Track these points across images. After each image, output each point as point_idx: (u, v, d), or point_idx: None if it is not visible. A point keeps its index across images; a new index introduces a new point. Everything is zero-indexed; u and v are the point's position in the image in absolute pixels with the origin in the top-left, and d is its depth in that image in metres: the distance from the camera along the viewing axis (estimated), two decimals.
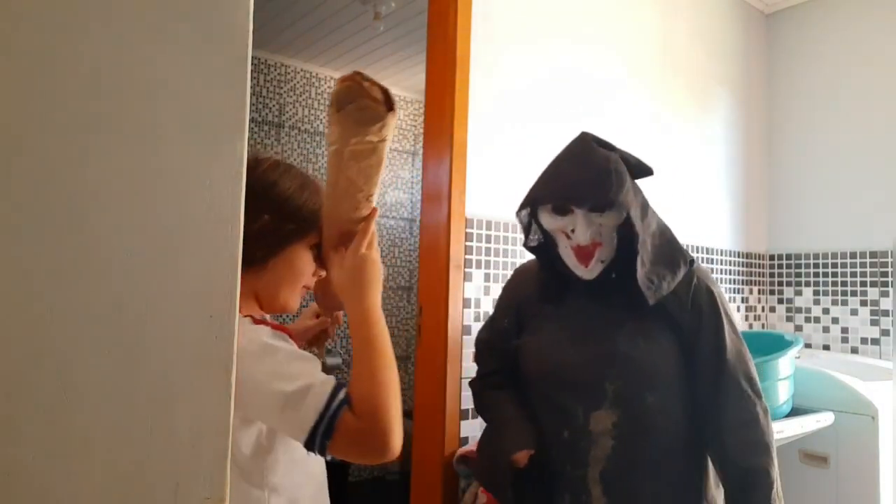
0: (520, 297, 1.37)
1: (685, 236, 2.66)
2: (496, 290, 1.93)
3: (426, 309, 1.95)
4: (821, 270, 2.98)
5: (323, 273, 1.00)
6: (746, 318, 3.03)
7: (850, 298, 2.88)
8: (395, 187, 4.32)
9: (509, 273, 1.57)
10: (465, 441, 1.87)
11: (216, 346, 0.51)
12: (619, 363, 1.19)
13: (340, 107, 0.86)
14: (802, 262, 3.03)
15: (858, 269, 2.85)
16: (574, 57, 2.30)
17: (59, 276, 0.45)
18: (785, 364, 2.03)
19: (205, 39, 0.52)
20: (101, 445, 0.46)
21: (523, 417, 1.27)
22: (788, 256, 3.08)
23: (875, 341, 2.79)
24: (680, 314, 1.21)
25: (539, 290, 1.33)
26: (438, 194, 1.93)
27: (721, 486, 1.23)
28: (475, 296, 1.95)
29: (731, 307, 2.72)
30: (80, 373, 0.45)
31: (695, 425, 1.22)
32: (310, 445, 0.81)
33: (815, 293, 2.99)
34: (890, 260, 2.71)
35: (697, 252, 2.74)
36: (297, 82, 3.89)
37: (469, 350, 1.83)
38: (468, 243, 1.94)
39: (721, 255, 2.88)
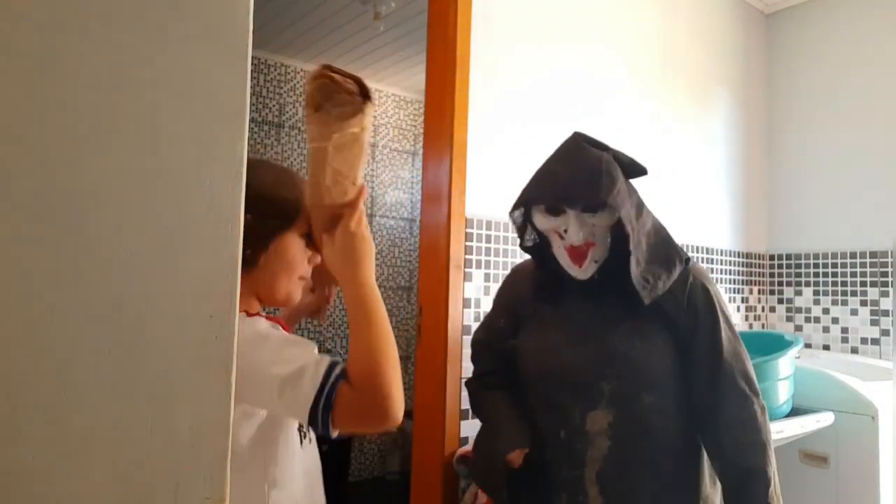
0: (516, 297, 1.37)
1: (685, 236, 2.66)
2: (496, 290, 1.93)
3: (426, 309, 1.95)
4: (821, 270, 2.98)
5: (318, 259, 1.01)
6: (746, 318, 3.03)
7: (850, 298, 2.88)
8: (395, 187, 4.31)
9: None
10: (465, 441, 1.87)
11: (216, 346, 0.51)
12: (615, 363, 1.19)
13: (318, 106, 0.86)
14: (802, 262, 3.03)
15: (858, 269, 2.86)
16: (574, 57, 2.30)
17: (59, 276, 0.45)
18: (785, 364, 2.03)
19: (205, 39, 0.52)
20: (101, 445, 0.46)
21: (519, 417, 1.27)
22: (788, 256, 3.09)
23: (875, 341, 2.79)
24: (676, 313, 1.21)
25: (535, 290, 1.33)
26: (438, 194, 1.93)
27: (717, 485, 1.23)
28: (475, 296, 1.95)
29: (729, 306, 2.69)
30: (80, 373, 0.45)
31: (691, 425, 1.22)
32: (313, 423, 0.82)
33: (815, 293, 2.99)
34: (890, 260, 2.71)
35: (697, 252, 2.75)
36: (297, 82, 3.89)
37: (469, 350, 1.83)
38: (468, 243, 1.94)
39: (721, 255, 2.89)
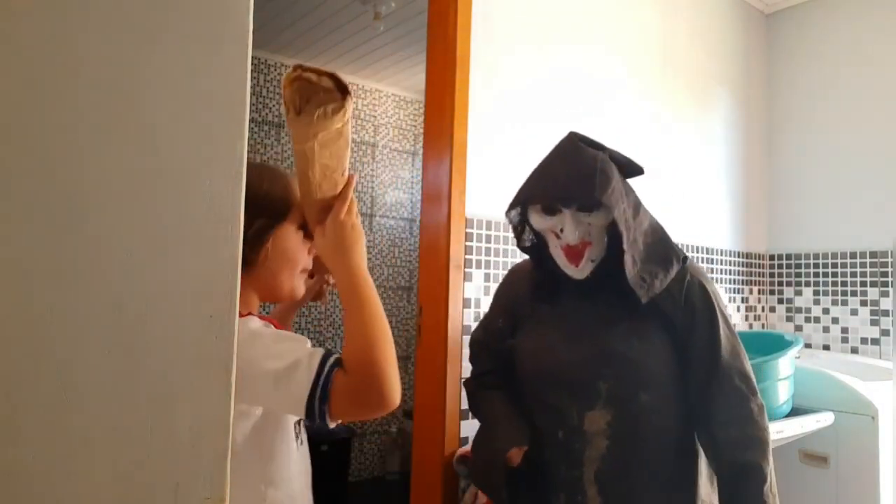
0: (514, 297, 1.37)
1: (685, 236, 2.66)
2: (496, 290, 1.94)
3: (426, 309, 1.95)
4: (821, 270, 2.98)
5: None
6: (746, 318, 3.03)
7: (850, 298, 2.88)
8: (395, 187, 4.31)
9: None
10: (465, 441, 1.87)
11: (216, 346, 0.51)
12: (612, 362, 1.19)
13: (299, 109, 0.86)
14: (802, 262, 3.03)
15: (858, 269, 2.86)
16: (574, 57, 2.30)
17: (59, 276, 0.45)
18: (785, 364, 2.03)
19: (205, 39, 0.52)
20: (101, 445, 0.46)
21: (517, 416, 1.27)
22: (788, 256, 3.09)
23: (875, 341, 2.79)
24: (673, 312, 1.20)
25: (533, 290, 1.33)
26: (438, 194, 1.93)
27: (716, 484, 1.23)
28: (475, 296, 1.95)
29: (729, 306, 2.69)
30: (80, 373, 0.45)
31: (689, 424, 1.22)
32: (310, 415, 0.82)
33: (815, 293, 2.99)
34: (890, 260, 2.71)
35: (697, 252, 2.75)
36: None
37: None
38: (468, 243, 1.94)
39: (721, 255, 2.88)
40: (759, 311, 3.10)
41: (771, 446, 1.18)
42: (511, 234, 2.04)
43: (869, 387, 2.24)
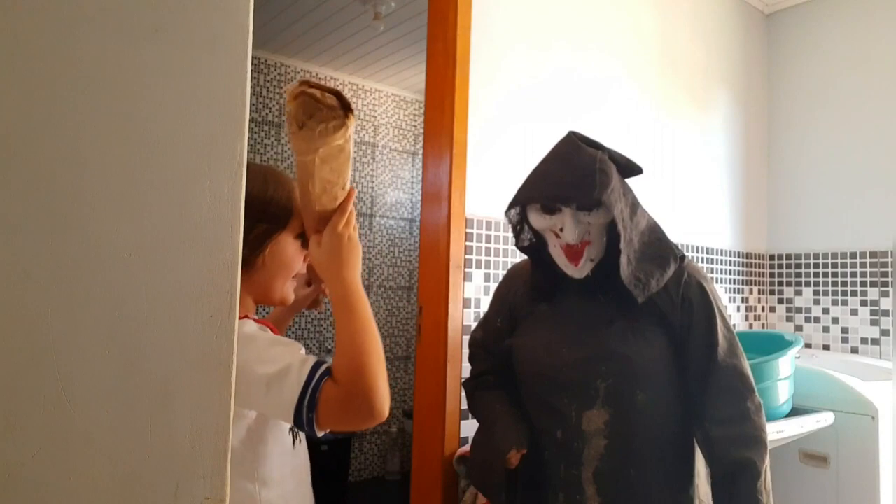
0: (513, 296, 1.37)
1: (685, 236, 2.66)
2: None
3: (426, 309, 1.95)
4: (821, 270, 2.98)
5: None
6: (746, 318, 3.03)
7: (850, 298, 2.88)
8: (395, 187, 4.31)
9: None
10: (465, 441, 1.87)
11: (216, 346, 0.51)
12: (610, 362, 1.19)
13: (301, 124, 0.86)
14: (802, 262, 3.03)
15: (858, 269, 2.86)
16: (574, 57, 2.30)
17: (59, 277, 0.45)
18: (785, 364, 2.03)
19: (205, 39, 0.52)
20: (101, 445, 0.46)
21: (516, 417, 1.27)
22: (788, 256, 3.09)
23: (875, 341, 2.79)
24: (671, 311, 1.21)
25: (531, 289, 1.33)
26: (438, 194, 1.93)
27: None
28: (475, 296, 1.95)
29: (729, 306, 2.69)
30: (80, 373, 0.45)
31: (688, 423, 1.22)
32: (298, 422, 0.82)
33: (815, 293, 2.99)
34: (890, 260, 2.71)
35: (697, 252, 2.75)
36: None
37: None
38: (468, 243, 1.94)
39: (721, 255, 2.88)
40: (758, 311, 3.10)
41: (767, 445, 1.18)
42: (511, 234, 2.04)
43: (869, 387, 2.24)
